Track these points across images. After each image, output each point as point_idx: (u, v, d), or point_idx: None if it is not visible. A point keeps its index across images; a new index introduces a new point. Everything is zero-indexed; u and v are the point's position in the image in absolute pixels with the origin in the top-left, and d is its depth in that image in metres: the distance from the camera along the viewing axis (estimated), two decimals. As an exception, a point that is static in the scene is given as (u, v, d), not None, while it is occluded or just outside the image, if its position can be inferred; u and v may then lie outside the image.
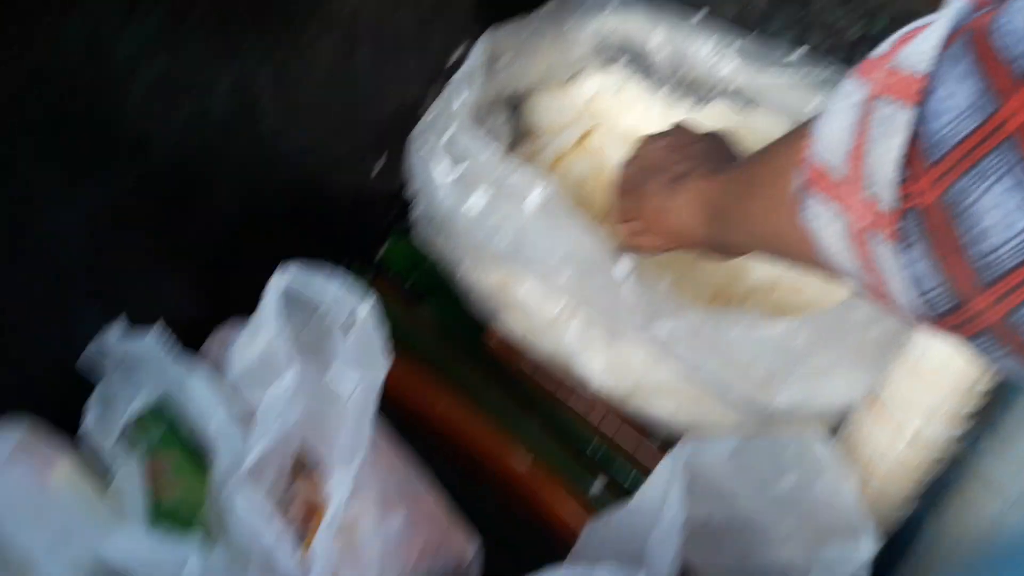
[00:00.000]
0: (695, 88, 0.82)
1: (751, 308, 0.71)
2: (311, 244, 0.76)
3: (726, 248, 0.53)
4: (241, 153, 0.62)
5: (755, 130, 0.80)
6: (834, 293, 0.76)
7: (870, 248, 0.32)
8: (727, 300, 0.74)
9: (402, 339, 0.74)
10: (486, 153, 0.66)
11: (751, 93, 0.78)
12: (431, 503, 0.62)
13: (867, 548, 0.49)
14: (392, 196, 0.80)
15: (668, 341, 0.58)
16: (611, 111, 0.87)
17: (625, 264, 0.60)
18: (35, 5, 0.43)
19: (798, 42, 0.77)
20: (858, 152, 0.32)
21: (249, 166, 0.63)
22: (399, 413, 0.68)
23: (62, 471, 0.54)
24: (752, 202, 0.46)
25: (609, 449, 0.71)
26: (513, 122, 0.87)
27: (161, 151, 0.55)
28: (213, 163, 0.60)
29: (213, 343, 0.64)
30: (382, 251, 0.83)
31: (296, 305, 0.56)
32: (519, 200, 0.64)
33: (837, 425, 0.59)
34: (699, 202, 0.55)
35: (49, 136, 0.48)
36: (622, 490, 0.69)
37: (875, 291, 0.34)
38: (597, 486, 0.70)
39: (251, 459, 0.51)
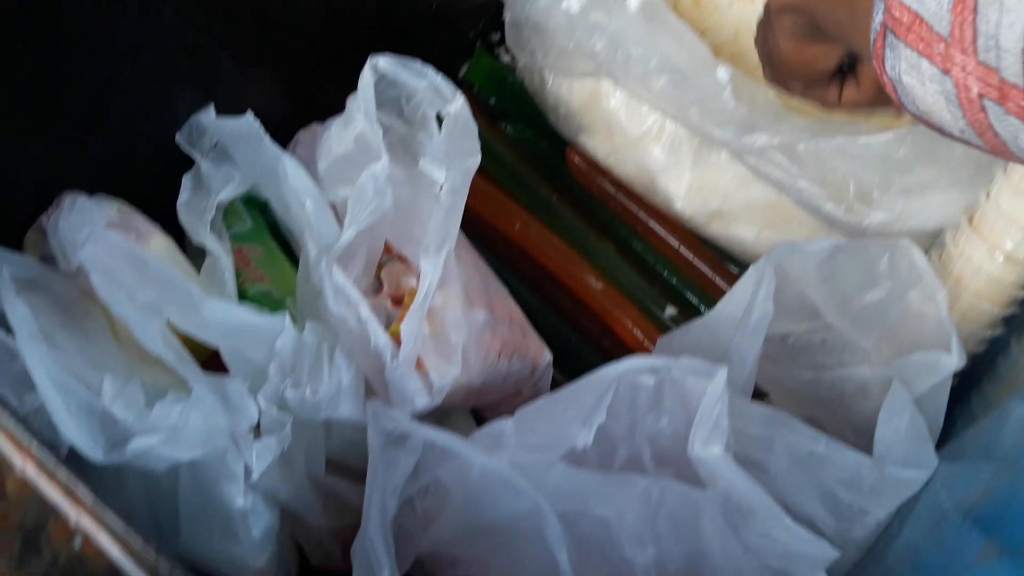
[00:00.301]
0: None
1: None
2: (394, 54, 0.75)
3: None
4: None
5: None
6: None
7: (990, 116, 0.29)
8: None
9: (483, 158, 0.74)
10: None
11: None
12: (511, 308, 0.64)
13: (952, 361, 0.49)
14: (479, 7, 0.78)
15: (763, 152, 0.57)
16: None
17: (724, 70, 0.59)
18: None
19: None
20: (968, 6, 0.29)
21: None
22: (478, 231, 0.69)
23: (158, 244, 0.56)
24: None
25: (686, 275, 0.71)
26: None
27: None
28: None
29: (300, 141, 0.65)
30: (466, 68, 0.82)
31: (387, 99, 0.56)
32: (619, 2, 0.62)
33: (929, 247, 0.58)
34: None
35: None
36: (697, 316, 0.70)
37: (992, 147, 0.31)
38: (670, 311, 0.71)
39: (344, 239, 0.52)
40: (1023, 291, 0.53)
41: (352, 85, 0.53)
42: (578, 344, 0.72)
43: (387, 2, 0.71)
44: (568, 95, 0.72)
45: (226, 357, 0.50)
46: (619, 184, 0.73)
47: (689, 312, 0.70)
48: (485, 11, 0.78)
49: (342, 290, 0.52)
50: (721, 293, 0.67)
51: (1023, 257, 0.51)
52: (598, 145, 0.72)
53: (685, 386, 0.49)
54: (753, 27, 0.80)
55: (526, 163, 0.76)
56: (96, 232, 0.50)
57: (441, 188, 0.52)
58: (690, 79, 0.59)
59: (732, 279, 0.66)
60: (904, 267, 0.49)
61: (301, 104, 0.65)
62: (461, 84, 0.82)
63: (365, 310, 0.52)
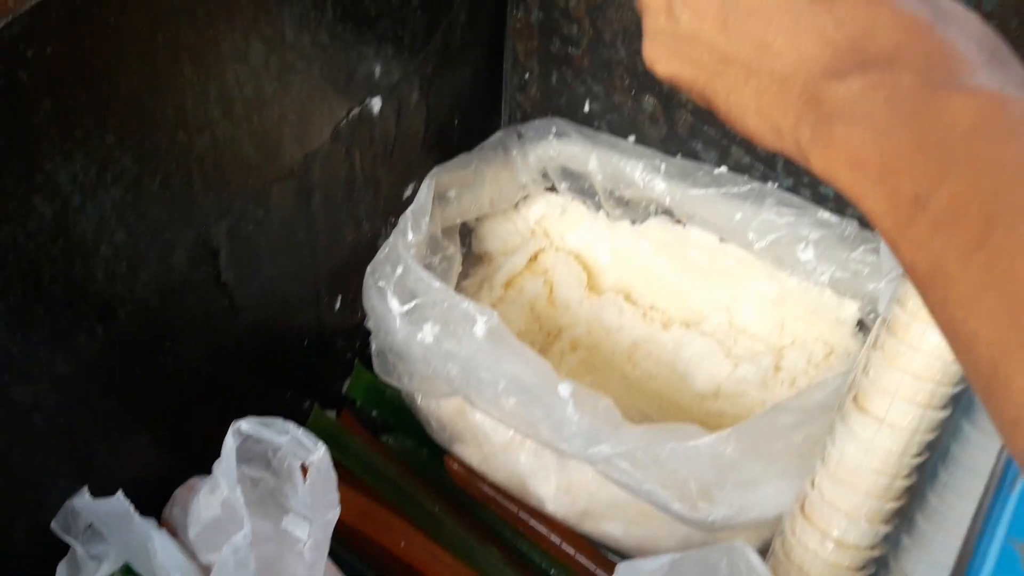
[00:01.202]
0: (632, 207, 0.87)
1: (696, 419, 0.75)
2: (277, 384, 0.80)
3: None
4: (204, 305, 0.66)
5: (690, 243, 0.85)
6: (774, 394, 0.80)
7: None
8: (672, 412, 0.78)
9: (366, 472, 0.78)
10: (435, 286, 0.71)
11: (682, 210, 0.84)
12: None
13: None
14: (354, 330, 0.85)
15: (609, 460, 0.62)
16: (558, 232, 0.93)
17: (566, 387, 0.64)
18: (4, 188, 0.47)
19: (720, 161, 0.83)
20: None
21: (213, 316, 0.67)
22: (363, 550, 0.71)
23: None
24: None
25: (570, 570, 0.74)
26: (468, 247, 0.92)
27: (127, 312, 0.59)
28: (177, 318, 0.64)
29: (176, 500, 0.67)
30: (347, 385, 0.87)
31: (255, 454, 0.60)
32: (466, 330, 0.69)
33: (774, 535, 0.63)
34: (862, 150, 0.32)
35: (21, 304, 0.52)
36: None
37: None
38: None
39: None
40: (860, 574, 0.57)
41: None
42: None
43: (267, 336, 0.76)
44: (437, 410, 0.77)
45: None
46: (495, 490, 0.76)
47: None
48: (359, 333, 0.84)
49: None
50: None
51: (852, 542, 0.55)
52: (470, 454, 0.77)
53: None
54: (602, 320, 0.88)
55: (408, 474, 0.80)
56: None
57: (305, 544, 0.55)
58: (536, 397, 0.65)
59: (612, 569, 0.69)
60: (743, 568, 0.53)
61: (183, 458, 0.67)
62: (344, 400, 0.87)
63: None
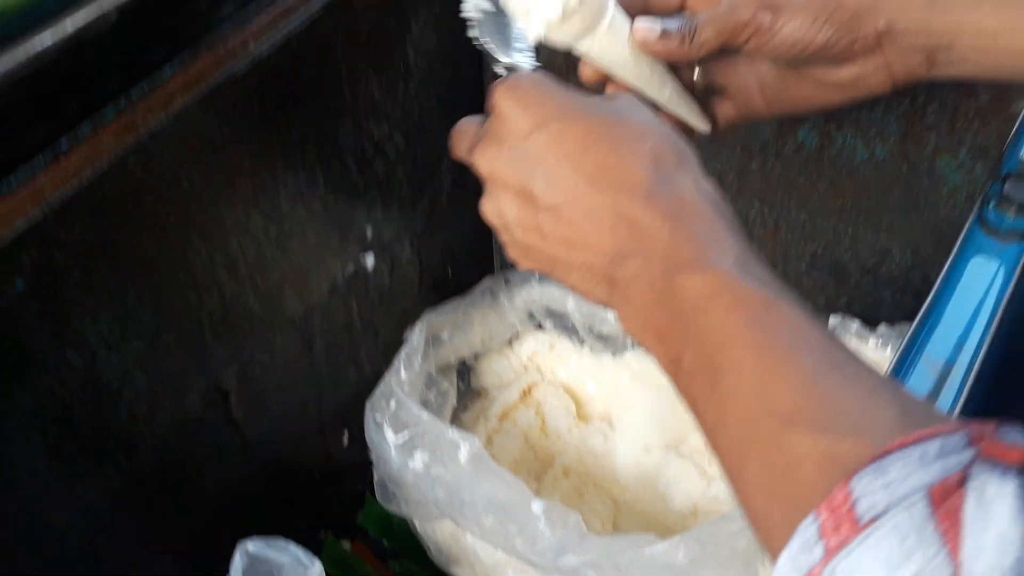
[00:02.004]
0: (610, 341, 0.96)
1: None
2: (291, 513, 0.88)
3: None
4: (217, 441, 0.75)
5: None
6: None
7: None
8: (658, 532, 0.84)
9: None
10: (424, 417, 0.79)
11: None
12: None
13: None
14: (363, 464, 0.92)
15: (576, 570, 0.68)
16: (548, 366, 1.01)
17: (538, 504, 0.71)
18: (42, 343, 0.57)
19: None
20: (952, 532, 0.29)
21: (226, 451, 0.76)
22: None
23: None
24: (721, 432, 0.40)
25: None
26: (467, 383, 1.00)
27: (148, 448, 0.68)
28: (194, 452, 0.73)
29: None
30: (360, 516, 0.95)
31: (260, 574, 0.67)
32: (451, 456, 0.76)
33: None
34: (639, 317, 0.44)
35: (56, 442, 0.61)
36: None
37: None
38: None
39: None
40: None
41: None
42: None
43: (278, 471, 0.84)
44: (434, 534, 0.83)
45: None
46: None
47: None
48: (368, 466, 0.92)
49: None
50: None
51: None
52: (468, 574, 0.83)
53: None
54: (590, 447, 0.95)
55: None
56: None
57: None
58: (512, 515, 0.71)
59: None
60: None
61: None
62: (358, 530, 0.94)
63: None
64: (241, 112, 0.64)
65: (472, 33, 0.55)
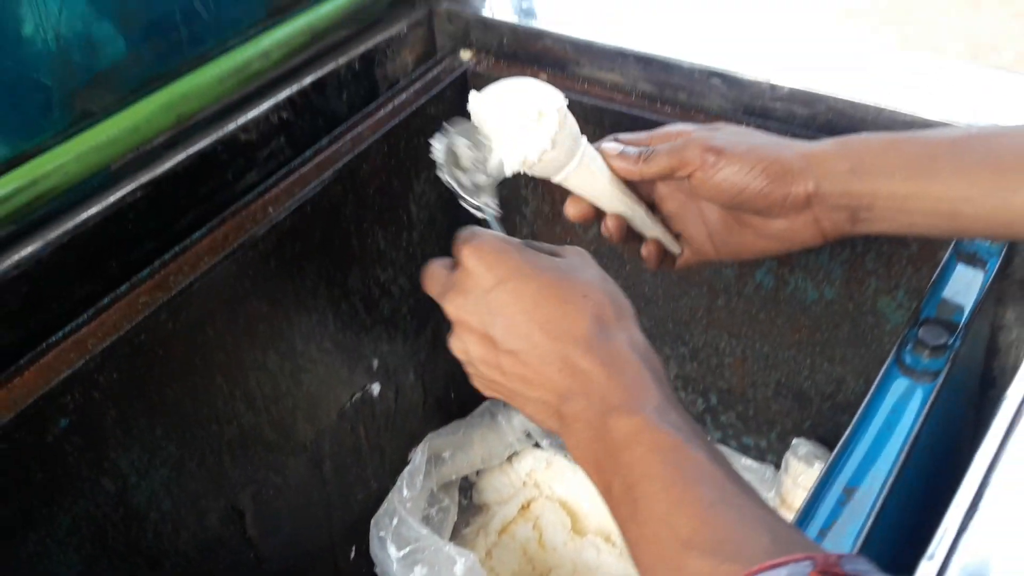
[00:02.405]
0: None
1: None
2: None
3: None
4: (234, 557, 0.83)
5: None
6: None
7: None
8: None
9: None
10: (423, 533, 0.86)
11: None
12: None
13: None
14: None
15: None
16: (546, 482, 1.08)
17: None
18: (80, 472, 0.66)
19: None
20: None
21: (241, 566, 0.84)
22: None
23: None
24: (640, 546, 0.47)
25: None
26: (469, 499, 1.08)
27: (172, 563, 0.76)
28: (211, 569, 0.81)
29: None
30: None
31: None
32: (448, 570, 0.83)
33: None
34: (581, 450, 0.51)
35: (91, 558, 0.69)
36: None
37: None
38: None
39: None
40: None
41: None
42: None
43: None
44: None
45: None
46: None
47: None
48: (373, 578, 0.99)
49: None
50: None
51: None
52: None
53: None
54: (585, 560, 1.01)
55: None
56: None
57: None
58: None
59: None
60: None
61: None
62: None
63: None
64: (260, 267, 0.75)
65: (440, 174, 0.62)
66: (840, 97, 0.75)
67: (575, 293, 0.54)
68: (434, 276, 0.60)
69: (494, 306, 0.54)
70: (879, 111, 0.73)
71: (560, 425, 0.53)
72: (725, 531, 0.43)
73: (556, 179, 0.63)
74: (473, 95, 0.61)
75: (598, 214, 0.66)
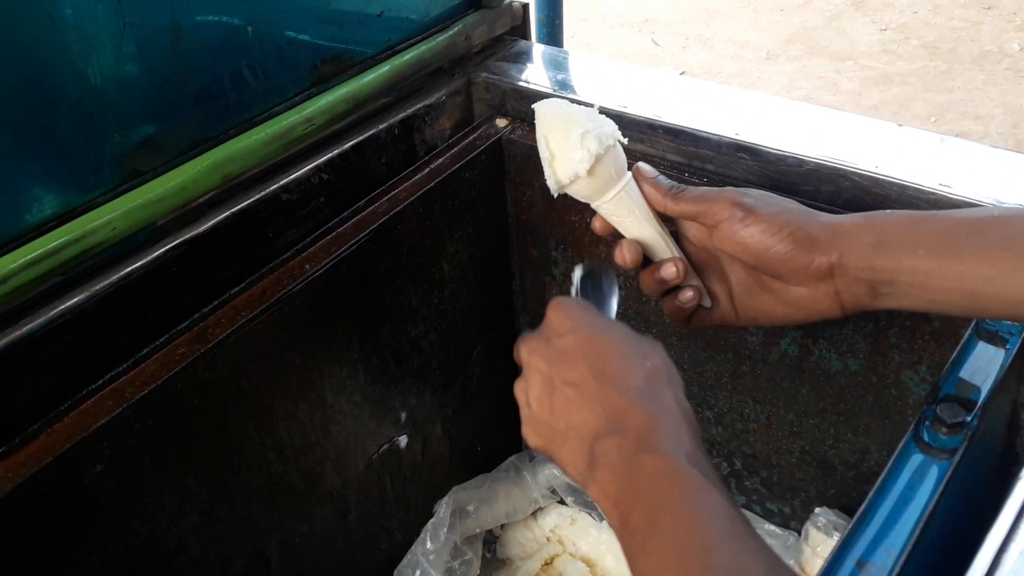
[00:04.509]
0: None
1: None
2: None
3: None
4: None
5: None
6: None
7: None
8: None
9: None
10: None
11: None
12: None
13: None
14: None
15: None
16: (569, 539, 1.09)
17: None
18: (112, 515, 0.68)
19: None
20: None
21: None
22: None
23: None
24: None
25: None
26: (493, 552, 1.09)
27: (197, 608, 0.78)
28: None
29: None
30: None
31: None
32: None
33: None
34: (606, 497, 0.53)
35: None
36: None
37: None
38: None
39: None
40: None
41: None
42: None
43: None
44: None
45: None
46: None
47: None
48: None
49: None
50: None
51: None
52: None
53: None
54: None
55: None
56: None
57: None
58: None
59: None
60: None
61: None
62: None
63: None
64: (295, 322, 0.77)
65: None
66: (865, 172, 0.76)
67: (637, 353, 0.58)
68: (523, 337, 0.63)
69: (562, 348, 0.59)
70: (903, 187, 0.75)
71: (589, 464, 0.55)
72: (731, 565, 0.46)
73: (593, 204, 0.67)
74: (539, 103, 0.66)
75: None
